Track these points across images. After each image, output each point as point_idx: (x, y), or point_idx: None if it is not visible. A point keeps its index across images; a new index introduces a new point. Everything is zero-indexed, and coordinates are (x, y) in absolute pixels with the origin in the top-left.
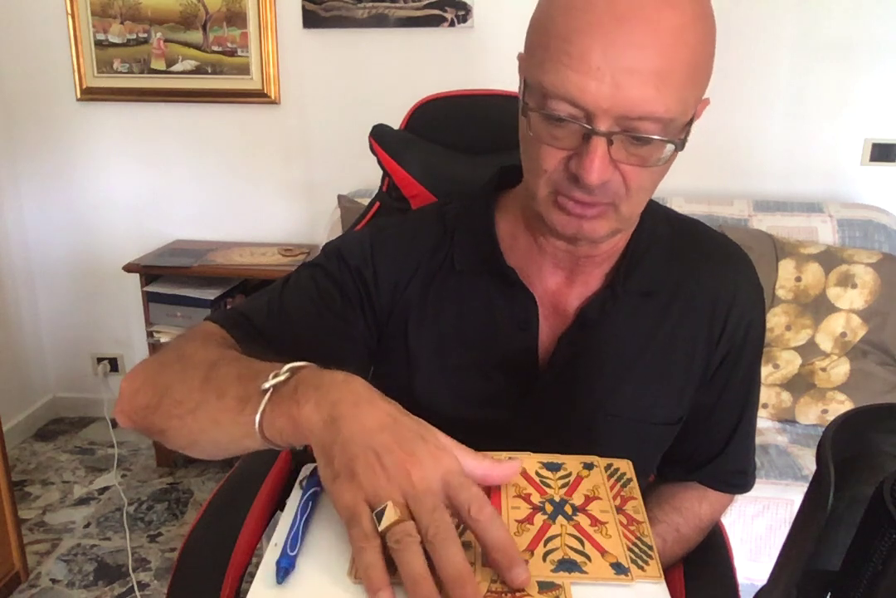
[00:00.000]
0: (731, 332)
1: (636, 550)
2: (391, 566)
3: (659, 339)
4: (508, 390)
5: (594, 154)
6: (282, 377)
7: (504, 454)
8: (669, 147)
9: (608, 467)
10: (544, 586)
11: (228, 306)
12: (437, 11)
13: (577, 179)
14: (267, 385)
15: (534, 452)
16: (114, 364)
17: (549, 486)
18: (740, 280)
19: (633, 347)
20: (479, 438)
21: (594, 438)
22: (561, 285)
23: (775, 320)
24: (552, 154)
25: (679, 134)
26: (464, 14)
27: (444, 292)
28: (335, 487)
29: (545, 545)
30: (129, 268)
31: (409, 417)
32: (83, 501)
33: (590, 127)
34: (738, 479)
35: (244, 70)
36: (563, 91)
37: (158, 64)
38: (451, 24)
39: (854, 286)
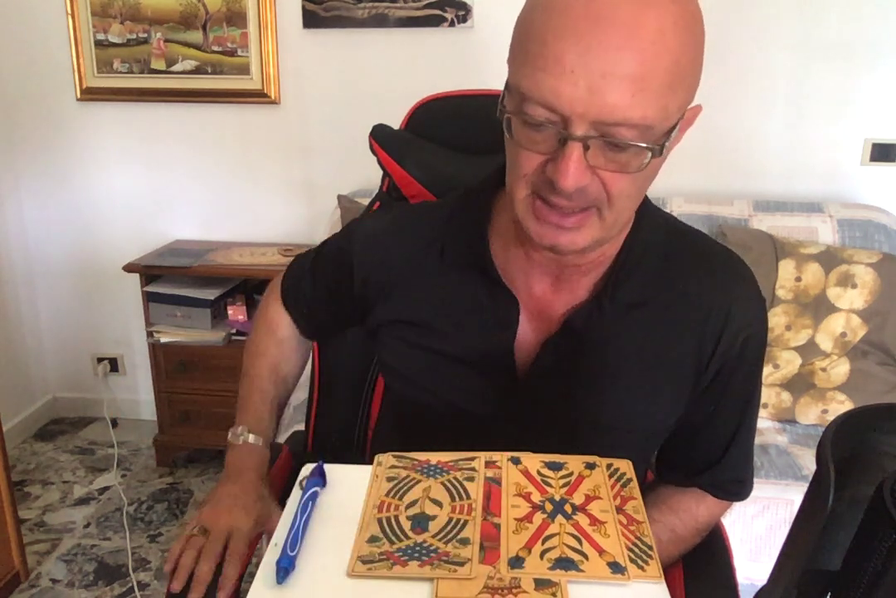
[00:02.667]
0: (725, 347)
1: (636, 550)
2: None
3: (646, 351)
4: (487, 386)
5: (569, 159)
6: (235, 441)
7: (505, 455)
8: (650, 153)
9: (608, 467)
10: (541, 583)
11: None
12: (437, 11)
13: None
14: (230, 438)
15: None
16: (114, 364)
17: (549, 485)
18: (737, 294)
19: (618, 357)
20: (464, 429)
21: (576, 444)
22: (546, 291)
23: (775, 320)
24: (531, 158)
25: (659, 140)
26: (464, 14)
27: (432, 285)
28: (197, 513)
29: (543, 544)
30: (129, 268)
31: (245, 494)
32: (83, 501)
33: (565, 131)
34: (735, 487)
35: (244, 70)
36: (538, 95)
37: (158, 64)
38: (451, 24)
39: (854, 286)
